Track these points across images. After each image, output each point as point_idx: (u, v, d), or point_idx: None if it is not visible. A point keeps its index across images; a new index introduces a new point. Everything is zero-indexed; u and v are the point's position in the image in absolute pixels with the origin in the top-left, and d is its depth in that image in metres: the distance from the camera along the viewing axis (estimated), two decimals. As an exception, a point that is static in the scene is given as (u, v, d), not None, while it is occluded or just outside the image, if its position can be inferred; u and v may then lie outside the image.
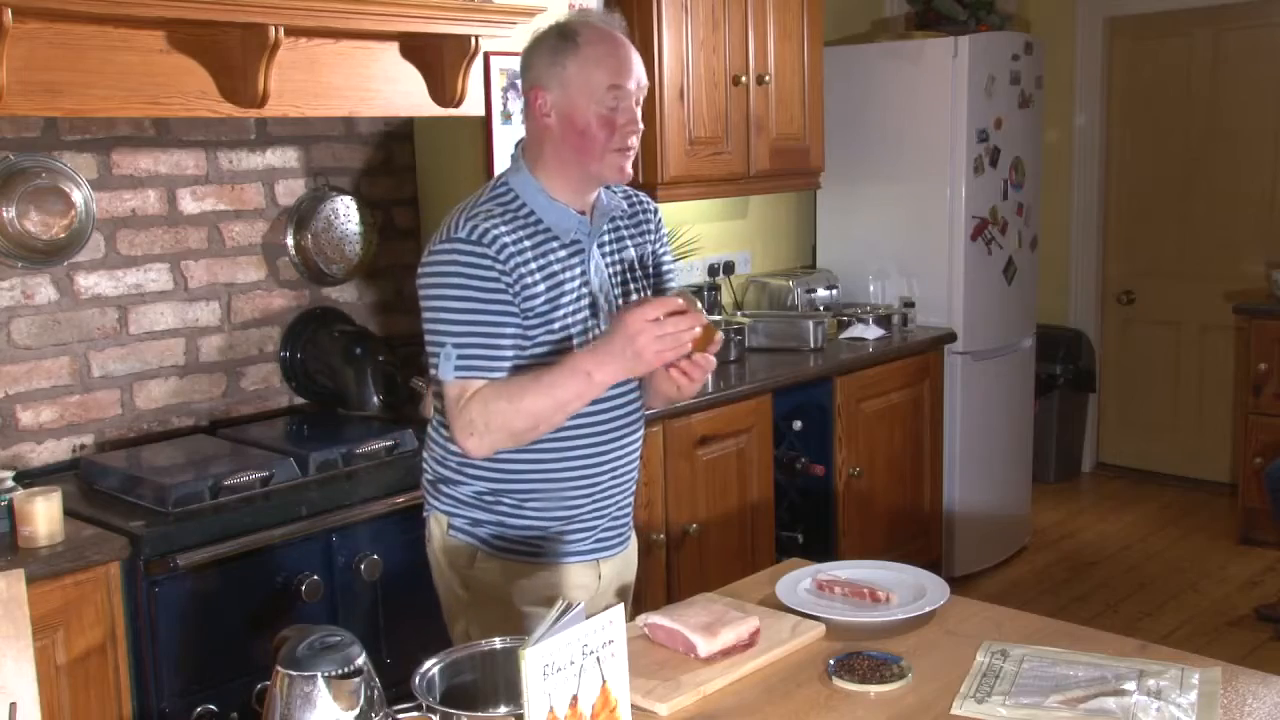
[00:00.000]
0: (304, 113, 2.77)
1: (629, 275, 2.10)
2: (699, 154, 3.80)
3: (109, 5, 2.34)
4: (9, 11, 2.20)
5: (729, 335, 3.88)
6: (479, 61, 2.98)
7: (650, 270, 2.15)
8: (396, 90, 2.93)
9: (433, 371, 1.98)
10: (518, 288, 1.94)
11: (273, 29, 2.53)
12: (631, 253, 2.11)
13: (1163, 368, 5.83)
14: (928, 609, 1.95)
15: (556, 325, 1.98)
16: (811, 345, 4.09)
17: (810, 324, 4.11)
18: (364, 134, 3.36)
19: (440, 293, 1.94)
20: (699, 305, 1.85)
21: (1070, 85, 5.80)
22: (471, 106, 3.06)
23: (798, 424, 3.94)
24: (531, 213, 2.00)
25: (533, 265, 1.96)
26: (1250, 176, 5.46)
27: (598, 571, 2.14)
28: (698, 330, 1.82)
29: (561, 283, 1.99)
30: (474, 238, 1.93)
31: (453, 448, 2.06)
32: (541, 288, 1.96)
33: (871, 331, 4.28)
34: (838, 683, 1.73)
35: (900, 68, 4.54)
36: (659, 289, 2.17)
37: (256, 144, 3.14)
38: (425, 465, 2.18)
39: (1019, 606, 2.12)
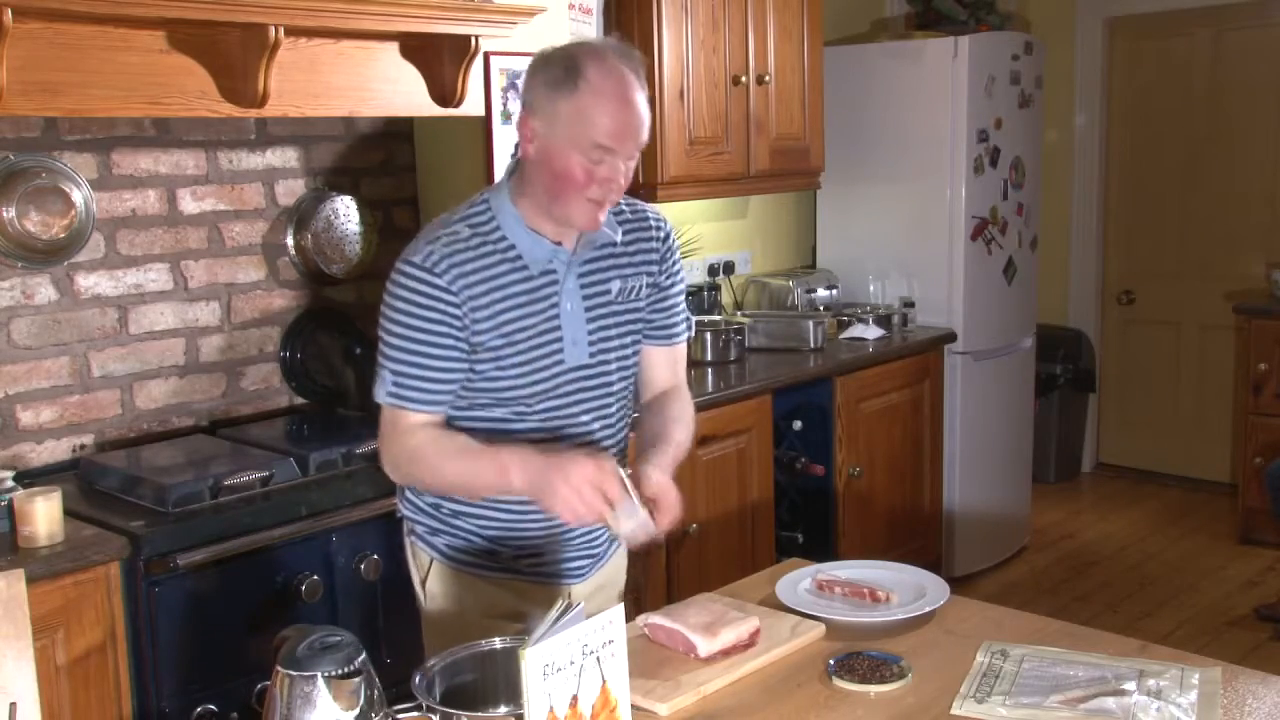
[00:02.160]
0: (304, 113, 2.77)
1: (605, 308, 1.98)
2: (699, 154, 3.80)
3: (109, 5, 2.34)
4: (9, 11, 2.20)
5: (729, 335, 3.88)
6: (479, 61, 2.98)
7: (638, 301, 2.03)
8: (396, 90, 2.93)
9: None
10: (468, 320, 1.86)
11: (273, 29, 2.52)
12: (615, 284, 1.98)
13: (1163, 368, 5.83)
14: (928, 609, 1.95)
15: (508, 360, 1.90)
16: (811, 345, 4.09)
17: (810, 324, 4.11)
18: (364, 134, 3.36)
19: (388, 314, 1.88)
20: (638, 505, 1.78)
21: (1070, 85, 5.80)
22: (471, 106, 3.06)
23: (798, 424, 3.94)
24: (504, 238, 1.89)
25: (493, 296, 1.87)
26: (1250, 176, 5.46)
27: (567, 593, 2.06)
28: (609, 523, 1.77)
29: (525, 315, 1.90)
30: (428, 265, 1.84)
31: None
32: (496, 321, 1.87)
33: (871, 331, 4.28)
34: (838, 683, 1.73)
35: (900, 68, 4.54)
36: (654, 327, 2.06)
37: (256, 144, 3.14)
38: None
39: (1019, 606, 2.12)
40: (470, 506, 2.00)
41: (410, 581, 2.14)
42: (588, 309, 1.96)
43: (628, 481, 1.78)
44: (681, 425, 2.04)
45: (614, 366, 2.01)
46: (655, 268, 2.04)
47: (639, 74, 1.85)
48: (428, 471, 1.91)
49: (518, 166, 1.94)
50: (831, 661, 1.78)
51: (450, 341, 1.87)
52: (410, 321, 1.86)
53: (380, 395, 1.91)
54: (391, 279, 1.89)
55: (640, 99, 1.83)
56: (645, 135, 1.85)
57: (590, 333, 1.96)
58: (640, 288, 2.03)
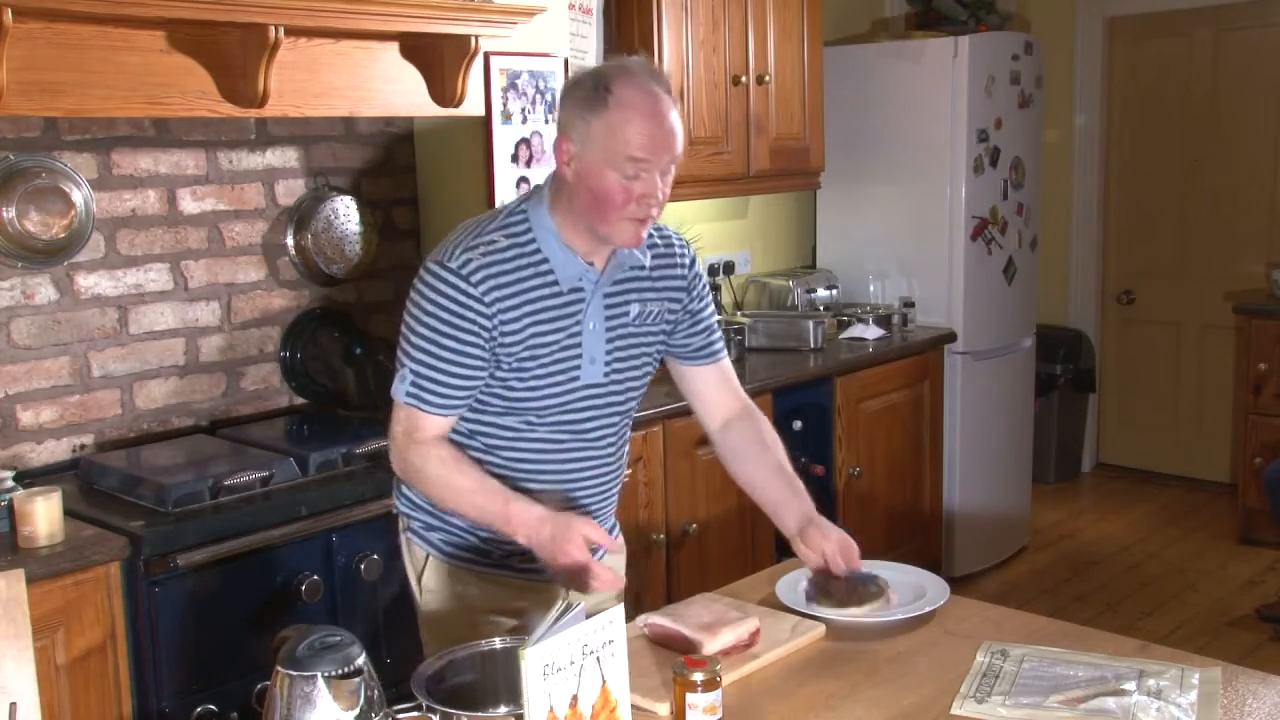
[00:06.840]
0: (304, 113, 2.77)
1: (623, 329, 2.00)
2: (699, 154, 3.80)
3: (109, 5, 2.34)
4: (9, 11, 2.20)
5: (729, 335, 3.88)
6: (479, 61, 2.98)
7: (654, 325, 2.05)
8: (396, 90, 2.93)
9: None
10: (496, 332, 1.88)
11: (273, 29, 2.52)
12: (635, 308, 2.01)
13: (1163, 368, 5.83)
14: (928, 609, 1.96)
15: (529, 373, 1.92)
16: (811, 345, 4.09)
17: (810, 324, 4.11)
18: (364, 134, 3.36)
19: (416, 314, 1.90)
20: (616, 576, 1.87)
21: (1070, 85, 5.80)
22: (471, 106, 3.06)
23: (798, 424, 3.93)
24: (538, 251, 1.91)
25: (524, 310, 1.89)
26: (1250, 176, 5.46)
27: (564, 592, 2.05)
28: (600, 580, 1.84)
29: (551, 330, 1.92)
30: (464, 272, 1.86)
31: None
32: (524, 335, 1.90)
33: (871, 331, 4.28)
34: (815, 608, 1.83)
35: (900, 68, 4.54)
36: (695, 349, 2.12)
37: (256, 144, 3.14)
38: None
39: (1019, 606, 2.13)
40: None
41: (407, 578, 2.15)
42: (608, 329, 1.98)
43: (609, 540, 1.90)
44: (783, 465, 2.18)
45: (625, 386, 2.04)
46: (682, 294, 2.08)
47: (667, 89, 1.87)
48: (434, 489, 1.94)
49: (552, 183, 1.95)
50: (805, 583, 1.86)
51: (476, 350, 1.89)
52: (438, 325, 1.87)
53: (398, 393, 1.92)
54: (423, 279, 1.90)
55: (669, 111, 1.85)
56: (679, 147, 1.87)
57: (608, 353, 1.99)
58: (659, 313, 2.05)
